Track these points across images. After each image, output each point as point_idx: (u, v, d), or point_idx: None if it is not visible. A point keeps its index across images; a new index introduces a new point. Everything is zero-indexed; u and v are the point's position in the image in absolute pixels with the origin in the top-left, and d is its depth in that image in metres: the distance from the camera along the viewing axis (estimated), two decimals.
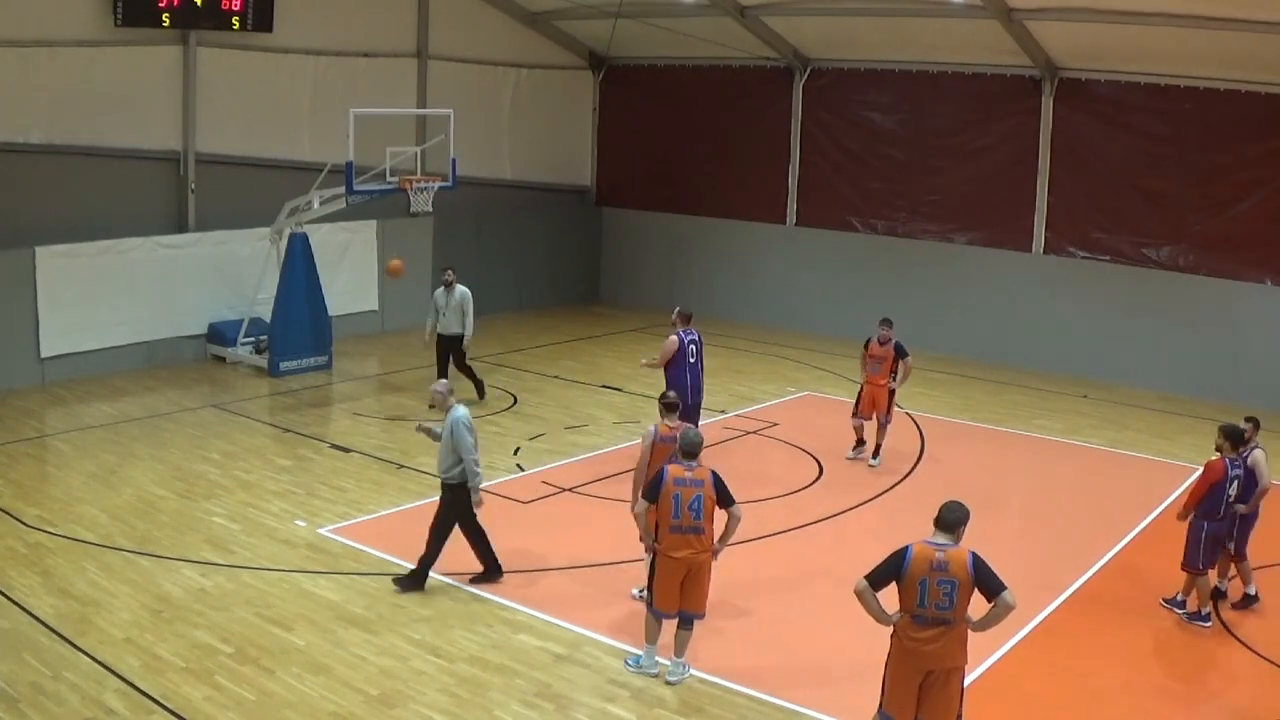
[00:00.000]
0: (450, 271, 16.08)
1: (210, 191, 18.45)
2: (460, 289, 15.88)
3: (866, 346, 14.05)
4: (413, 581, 9.90)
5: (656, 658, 8.63)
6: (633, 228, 24.37)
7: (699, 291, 22.76)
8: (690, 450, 8.46)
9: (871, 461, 13.96)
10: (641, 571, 10.14)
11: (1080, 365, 19.06)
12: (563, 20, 22.65)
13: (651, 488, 8.37)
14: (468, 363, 16.27)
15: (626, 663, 8.73)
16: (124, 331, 17.32)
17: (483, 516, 10.11)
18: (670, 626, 8.54)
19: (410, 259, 21.06)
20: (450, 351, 15.98)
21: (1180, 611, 9.87)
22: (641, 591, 10.11)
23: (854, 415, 14.12)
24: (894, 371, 13.81)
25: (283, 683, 8.27)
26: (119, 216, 17.40)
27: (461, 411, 9.92)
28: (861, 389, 14.05)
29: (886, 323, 14.04)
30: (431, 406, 10.88)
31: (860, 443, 14.19)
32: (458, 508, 9.92)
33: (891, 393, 13.89)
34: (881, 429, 13.98)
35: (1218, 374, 17.83)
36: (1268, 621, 9.89)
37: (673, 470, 8.36)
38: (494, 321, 22.24)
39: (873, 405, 13.88)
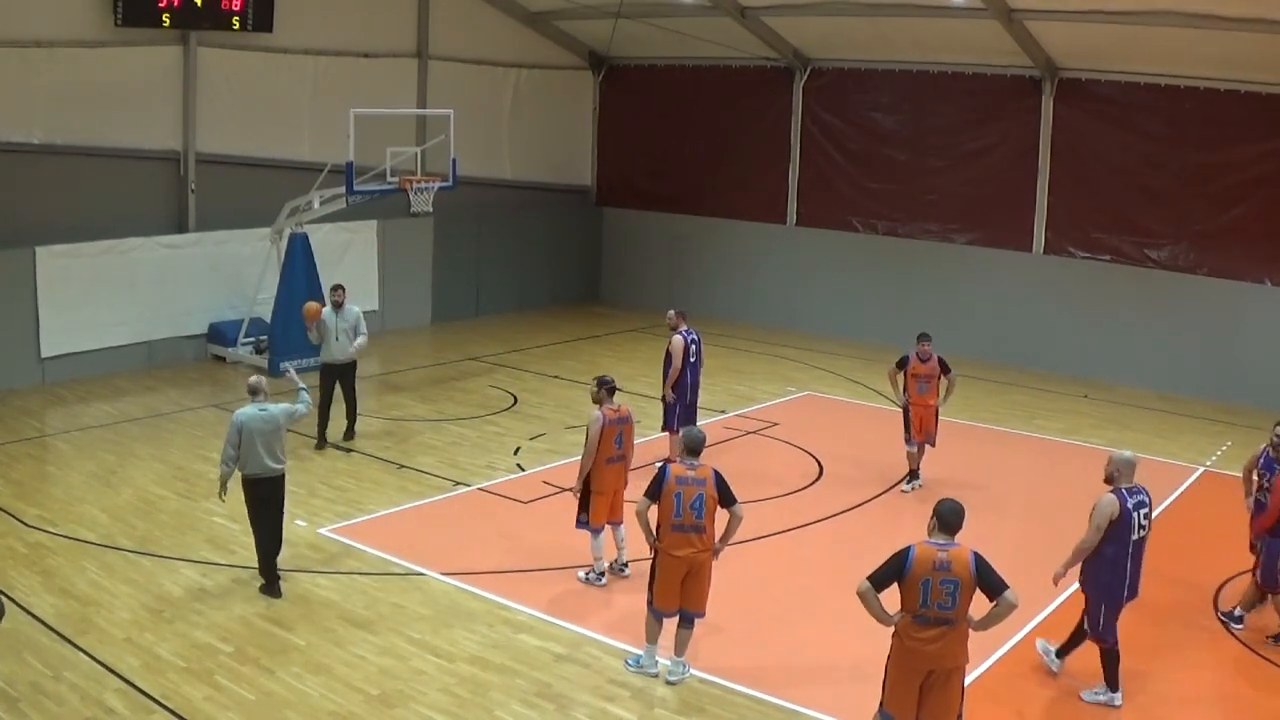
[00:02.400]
0: (340, 289, 14.09)
1: (210, 191, 18.44)
2: (352, 309, 14.00)
3: (902, 366, 12.89)
4: (270, 588, 9.79)
5: (657, 657, 8.63)
6: (633, 228, 24.37)
7: (699, 291, 22.79)
8: (694, 448, 8.47)
9: (904, 486, 13.01)
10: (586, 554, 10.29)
11: (1080, 365, 19.06)
12: (563, 20, 22.65)
13: (654, 486, 8.38)
14: (355, 393, 14.27)
15: (627, 662, 8.72)
16: (124, 331, 17.33)
17: (482, 515, 10.07)
18: (671, 626, 8.54)
19: (411, 259, 21.17)
20: (339, 380, 13.98)
21: (1238, 627, 9.71)
22: (588, 575, 10.18)
23: (907, 441, 13.01)
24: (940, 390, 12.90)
25: (283, 683, 8.27)
26: (119, 216, 17.40)
27: (245, 411, 9.73)
28: (908, 411, 12.92)
29: (925, 337, 12.93)
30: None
31: (913, 474, 13.08)
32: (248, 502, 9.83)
33: (936, 412, 13.02)
34: (922, 450, 13.06)
35: (1218, 374, 17.84)
36: (1268, 621, 9.88)
37: (675, 469, 8.37)
38: (494, 321, 22.27)
39: (923, 428, 12.90)
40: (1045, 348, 19.43)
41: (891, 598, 6.77)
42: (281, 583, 9.84)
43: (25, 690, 7.96)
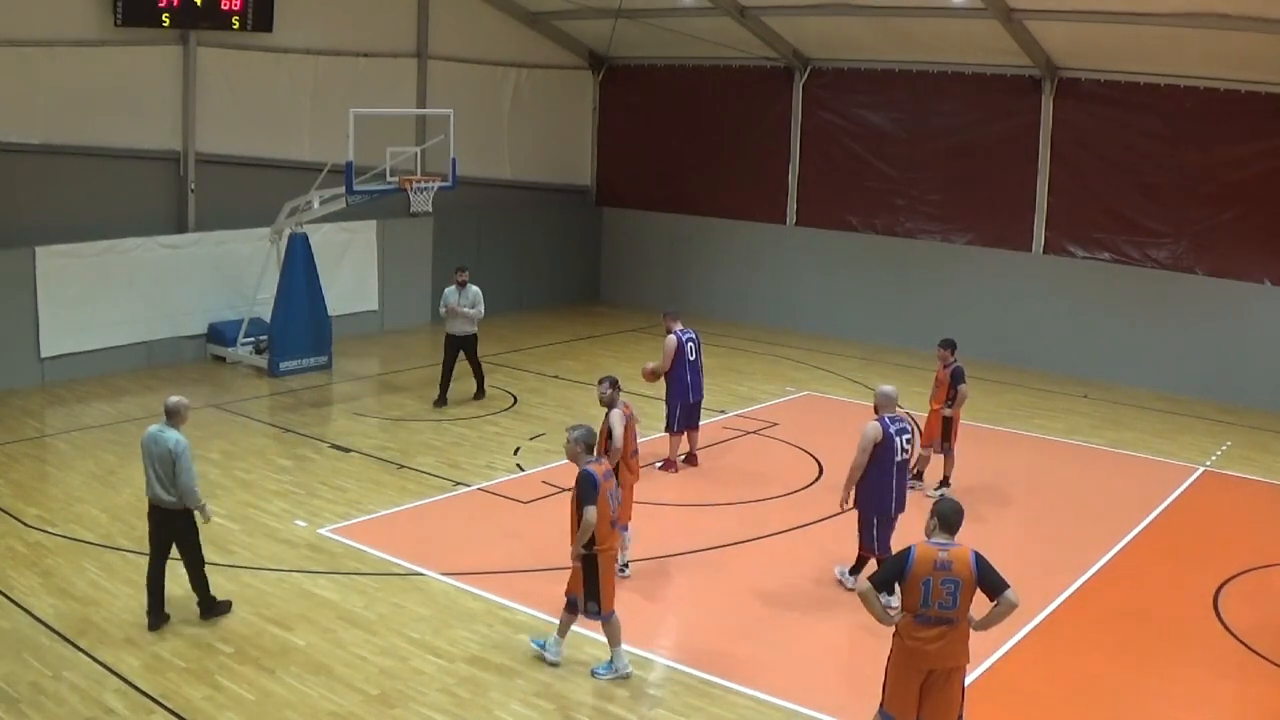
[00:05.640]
0: (465, 270, 16.20)
1: (210, 191, 18.44)
2: (472, 288, 15.96)
3: None
4: (213, 607, 9.27)
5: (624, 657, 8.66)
6: (633, 228, 24.36)
7: (699, 291, 22.79)
8: (591, 442, 8.61)
9: (930, 492, 12.40)
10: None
11: (1080, 365, 19.05)
12: (563, 20, 22.65)
13: (590, 491, 8.29)
14: (478, 359, 16.44)
15: (534, 642, 8.81)
16: (124, 331, 17.30)
17: (482, 515, 10.06)
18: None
19: (411, 259, 21.18)
20: (462, 349, 16.13)
21: None
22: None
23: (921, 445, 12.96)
24: (950, 398, 12.53)
25: (283, 683, 8.26)
26: (119, 216, 17.39)
27: (149, 429, 9.00)
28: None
29: (944, 344, 12.76)
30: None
31: (918, 475, 12.65)
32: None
33: (946, 420, 12.67)
34: (947, 459, 12.75)
35: (1218, 374, 17.82)
36: (1268, 621, 9.89)
37: (597, 469, 8.44)
38: (494, 321, 22.22)
39: (926, 432, 12.83)
40: (1045, 348, 19.42)
41: None
42: (213, 604, 9.27)
43: (25, 690, 7.96)
